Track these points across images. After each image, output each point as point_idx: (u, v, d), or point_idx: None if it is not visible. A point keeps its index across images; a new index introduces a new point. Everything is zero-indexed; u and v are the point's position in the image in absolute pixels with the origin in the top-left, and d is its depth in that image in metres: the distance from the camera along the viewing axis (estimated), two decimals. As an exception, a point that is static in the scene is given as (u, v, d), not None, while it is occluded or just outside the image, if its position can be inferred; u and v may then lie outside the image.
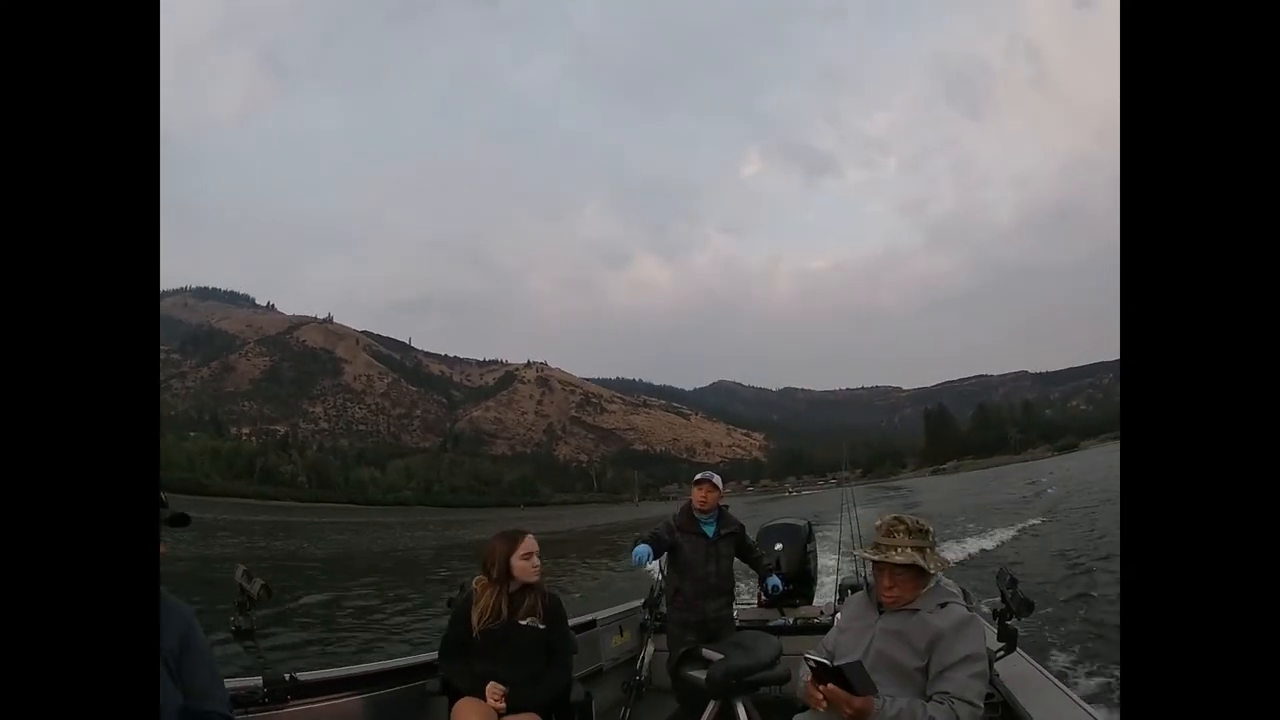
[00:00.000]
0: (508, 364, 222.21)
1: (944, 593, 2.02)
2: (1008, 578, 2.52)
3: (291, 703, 2.23)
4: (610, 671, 3.76)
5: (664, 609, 3.78)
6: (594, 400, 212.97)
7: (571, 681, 2.60)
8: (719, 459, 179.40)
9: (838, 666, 1.85)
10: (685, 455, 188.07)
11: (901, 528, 2.04)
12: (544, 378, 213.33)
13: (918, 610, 1.98)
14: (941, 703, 1.81)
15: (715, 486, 3.63)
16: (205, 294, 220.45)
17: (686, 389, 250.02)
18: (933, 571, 2.02)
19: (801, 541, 4.43)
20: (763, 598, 4.19)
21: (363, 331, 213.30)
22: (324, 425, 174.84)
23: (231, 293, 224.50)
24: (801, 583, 4.31)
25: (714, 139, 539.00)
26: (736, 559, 3.76)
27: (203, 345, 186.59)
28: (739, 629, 3.71)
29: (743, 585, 4.56)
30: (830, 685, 1.86)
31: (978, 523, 19.07)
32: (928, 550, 2.02)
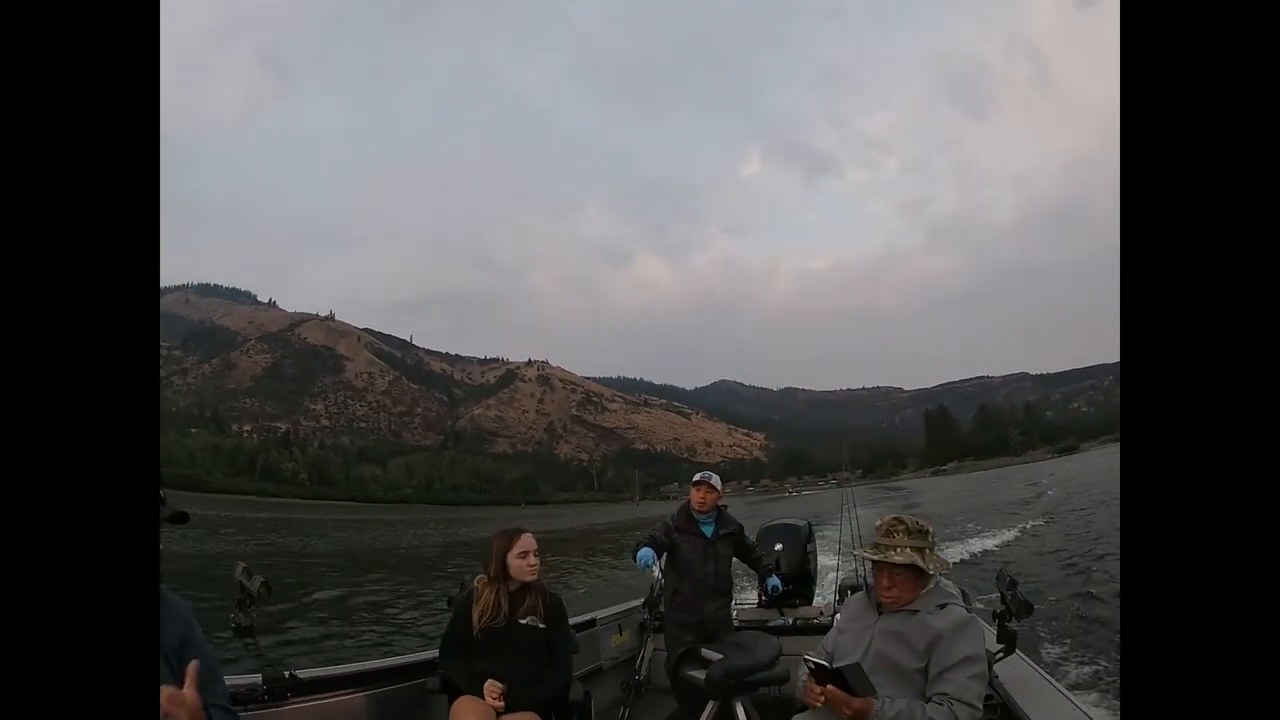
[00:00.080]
0: (509, 362, 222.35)
1: (943, 594, 2.02)
2: (1007, 579, 2.52)
3: (291, 700, 2.23)
4: (609, 671, 3.76)
5: (663, 609, 3.78)
6: (595, 399, 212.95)
7: (572, 681, 2.60)
8: (719, 458, 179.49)
9: (837, 668, 1.85)
10: (686, 455, 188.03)
11: (901, 528, 2.04)
12: (545, 376, 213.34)
13: (917, 611, 1.98)
14: (941, 704, 1.81)
15: (714, 487, 3.63)
16: (207, 290, 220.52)
17: (687, 388, 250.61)
18: (931, 572, 2.02)
19: (801, 542, 4.42)
20: (762, 598, 4.19)
21: (364, 329, 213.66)
22: (325, 423, 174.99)
23: (233, 289, 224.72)
24: (801, 583, 4.31)
25: (714, 139, 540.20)
26: (736, 559, 3.77)
27: (204, 342, 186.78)
28: (738, 629, 3.71)
29: (746, 584, 4.56)
30: (830, 686, 1.86)
31: (978, 523, 19.08)
32: (927, 551, 2.02)
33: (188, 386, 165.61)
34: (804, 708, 2.05)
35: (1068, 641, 6.59)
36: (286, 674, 2.26)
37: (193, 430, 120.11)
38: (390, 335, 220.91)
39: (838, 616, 2.36)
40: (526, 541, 2.56)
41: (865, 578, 3.31)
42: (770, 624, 4.09)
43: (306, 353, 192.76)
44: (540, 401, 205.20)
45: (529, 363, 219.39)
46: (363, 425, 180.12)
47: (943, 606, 1.97)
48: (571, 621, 2.83)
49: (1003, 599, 2.47)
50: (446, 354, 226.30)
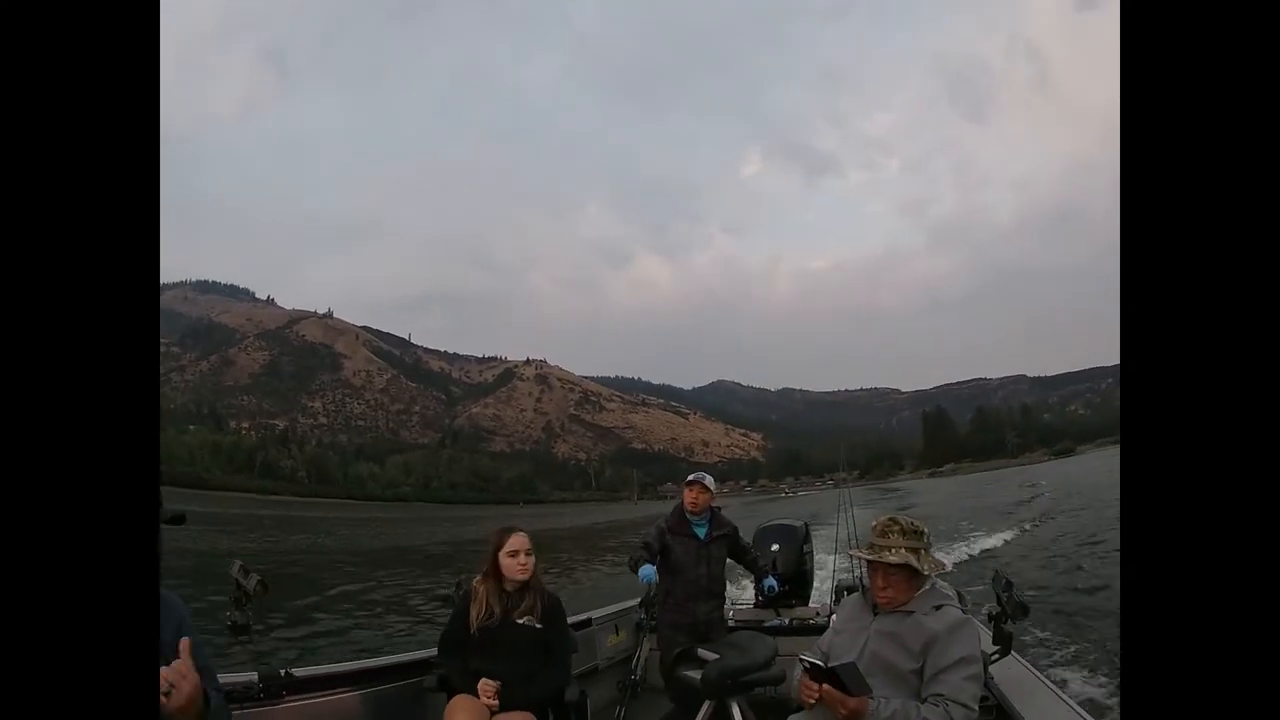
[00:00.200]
0: (507, 361, 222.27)
1: (939, 595, 2.03)
2: (1003, 581, 2.52)
3: (287, 698, 2.23)
4: (605, 670, 3.76)
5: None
6: (593, 398, 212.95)
7: (569, 680, 2.60)
8: (717, 458, 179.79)
9: (832, 667, 1.86)
10: (683, 454, 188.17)
11: (896, 528, 2.05)
12: (543, 375, 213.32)
13: (912, 612, 1.98)
14: (936, 705, 1.81)
15: (707, 488, 3.62)
16: (205, 287, 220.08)
17: (685, 388, 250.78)
18: (926, 573, 2.02)
19: (798, 542, 4.43)
20: (759, 598, 4.19)
21: (362, 327, 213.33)
22: (323, 420, 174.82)
23: (231, 286, 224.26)
24: (798, 583, 4.32)
25: (714, 139, 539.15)
26: (731, 561, 3.76)
27: (202, 339, 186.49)
28: (733, 629, 3.71)
29: (745, 582, 4.57)
30: (825, 686, 1.86)
31: (971, 522, 19.15)
32: (922, 551, 2.03)
33: (186, 383, 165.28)
34: (799, 708, 2.05)
35: (1051, 626, 6.65)
36: (283, 672, 2.26)
37: (191, 427, 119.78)
38: (388, 333, 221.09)
39: (834, 617, 2.36)
40: (517, 541, 2.56)
41: (861, 578, 3.32)
42: (766, 624, 4.09)
43: (305, 350, 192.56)
44: (538, 400, 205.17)
45: (527, 362, 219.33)
46: (360, 423, 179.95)
47: (938, 608, 1.97)
48: (568, 621, 2.83)
49: (998, 600, 2.48)
50: (445, 352, 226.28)
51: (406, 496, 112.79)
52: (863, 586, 2.40)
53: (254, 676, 2.18)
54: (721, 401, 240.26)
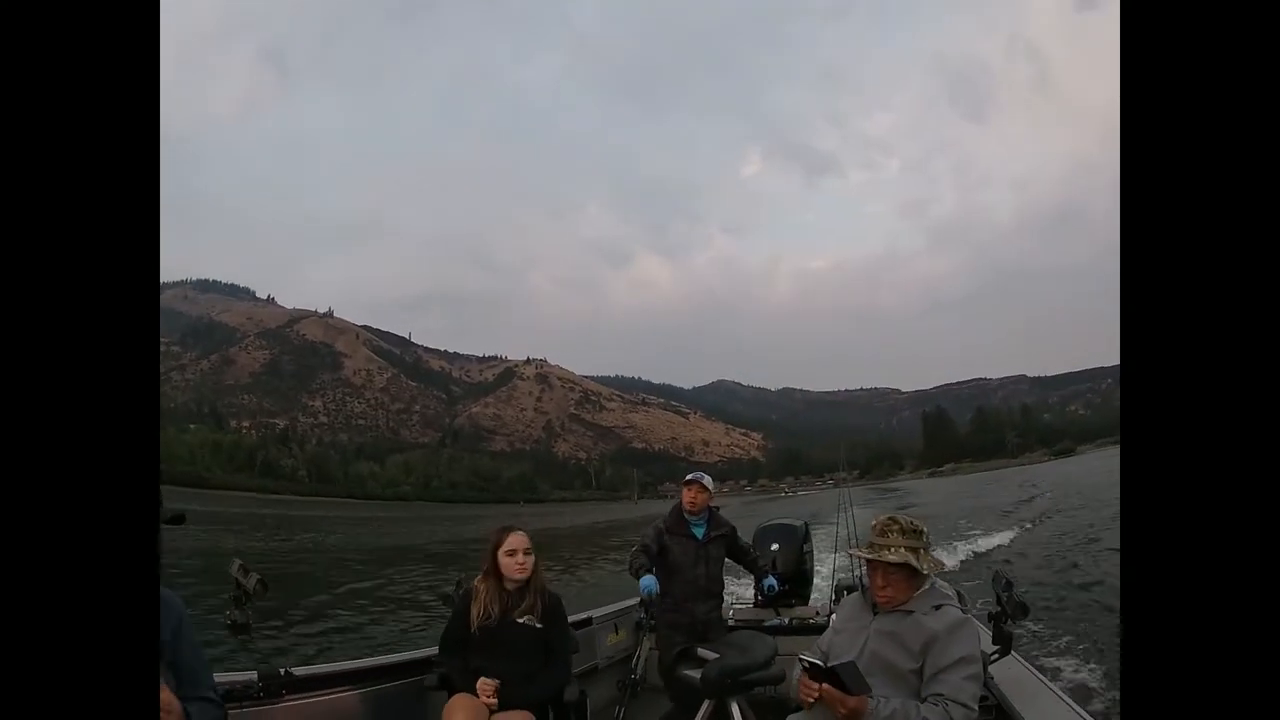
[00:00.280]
0: (507, 360, 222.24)
1: (939, 595, 2.03)
2: (1003, 581, 2.52)
3: (286, 697, 2.23)
4: (605, 670, 3.76)
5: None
6: (593, 398, 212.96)
7: (570, 680, 2.60)
8: (717, 458, 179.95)
9: (831, 666, 1.86)
10: (684, 454, 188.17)
11: (895, 528, 2.05)
12: (543, 375, 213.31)
13: (912, 612, 1.98)
14: (936, 704, 1.81)
15: (705, 487, 3.61)
16: (205, 286, 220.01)
17: (685, 388, 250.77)
18: (925, 572, 2.02)
19: (798, 542, 4.43)
20: (759, 597, 4.19)
21: (363, 326, 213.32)
22: (323, 419, 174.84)
23: (232, 285, 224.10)
24: (797, 583, 4.32)
25: (714, 139, 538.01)
26: (729, 561, 3.76)
27: (203, 338, 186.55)
28: (733, 629, 3.71)
29: (746, 581, 4.57)
30: (825, 685, 1.86)
31: (971, 522, 19.17)
32: (921, 551, 2.03)
33: (186, 382, 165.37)
34: (799, 707, 2.05)
35: (1044, 618, 6.67)
36: (282, 671, 2.26)
37: (191, 426, 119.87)
38: (389, 332, 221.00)
39: (833, 616, 2.36)
40: (515, 540, 2.56)
41: (861, 578, 3.32)
42: (766, 624, 4.09)
43: (305, 349, 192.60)
44: (538, 400, 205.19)
45: (527, 361, 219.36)
46: (361, 422, 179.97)
47: (938, 607, 1.98)
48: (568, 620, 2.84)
49: (998, 600, 2.48)
50: (445, 352, 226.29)
51: (407, 496, 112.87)
52: (862, 586, 2.40)
53: (254, 675, 2.18)
54: (722, 401, 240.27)
